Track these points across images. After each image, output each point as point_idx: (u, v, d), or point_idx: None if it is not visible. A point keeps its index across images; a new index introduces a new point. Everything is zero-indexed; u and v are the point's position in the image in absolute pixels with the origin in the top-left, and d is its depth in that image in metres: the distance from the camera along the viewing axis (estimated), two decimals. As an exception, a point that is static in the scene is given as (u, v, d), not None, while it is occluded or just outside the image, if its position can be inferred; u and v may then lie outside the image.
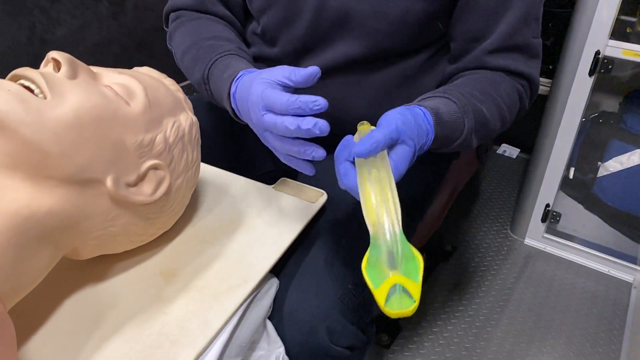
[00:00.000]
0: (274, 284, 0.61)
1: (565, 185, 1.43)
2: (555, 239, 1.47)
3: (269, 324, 0.60)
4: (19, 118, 0.42)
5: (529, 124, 1.36)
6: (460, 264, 1.40)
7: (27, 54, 0.97)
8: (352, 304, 0.62)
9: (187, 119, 0.57)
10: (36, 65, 1.00)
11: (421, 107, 0.57)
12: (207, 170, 0.73)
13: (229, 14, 0.81)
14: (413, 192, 0.81)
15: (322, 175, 0.66)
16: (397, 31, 0.69)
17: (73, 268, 0.55)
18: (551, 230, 1.49)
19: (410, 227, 0.79)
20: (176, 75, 0.70)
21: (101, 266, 0.56)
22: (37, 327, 0.50)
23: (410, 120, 0.53)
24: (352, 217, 0.69)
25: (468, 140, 0.63)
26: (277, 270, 0.61)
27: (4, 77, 0.94)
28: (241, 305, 0.53)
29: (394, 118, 0.52)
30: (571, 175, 1.43)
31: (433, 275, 1.35)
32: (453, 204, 1.31)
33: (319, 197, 0.66)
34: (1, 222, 0.41)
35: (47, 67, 0.49)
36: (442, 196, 1.21)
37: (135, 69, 0.58)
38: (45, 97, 0.45)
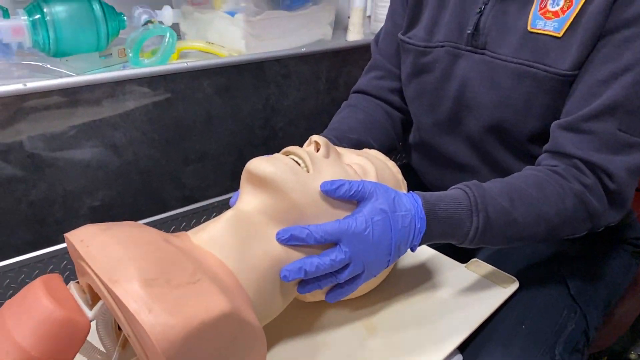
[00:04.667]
0: (459, 359, 0.65)
1: None
2: None
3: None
4: (292, 186, 0.56)
5: None
6: (648, 380, 1.25)
7: (260, 118, 1.21)
8: None
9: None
10: (265, 128, 1.22)
11: (418, 198, 0.60)
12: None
13: (401, 103, 0.94)
14: (597, 282, 0.79)
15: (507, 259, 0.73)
16: (522, 120, 0.74)
17: (298, 307, 0.66)
18: None
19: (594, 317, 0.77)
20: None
21: (319, 310, 0.67)
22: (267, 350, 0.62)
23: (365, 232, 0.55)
24: (533, 304, 0.71)
25: (484, 238, 0.63)
26: (460, 346, 0.66)
27: (240, 130, 1.17)
28: (433, 370, 0.59)
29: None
30: None
31: (614, 385, 1.23)
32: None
33: (511, 284, 0.70)
34: (267, 262, 0.54)
35: (309, 146, 0.63)
36: (634, 297, 1.11)
37: (365, 150, 0.70)
38: (308, 171, 0.58)
